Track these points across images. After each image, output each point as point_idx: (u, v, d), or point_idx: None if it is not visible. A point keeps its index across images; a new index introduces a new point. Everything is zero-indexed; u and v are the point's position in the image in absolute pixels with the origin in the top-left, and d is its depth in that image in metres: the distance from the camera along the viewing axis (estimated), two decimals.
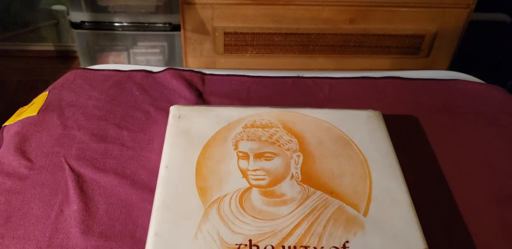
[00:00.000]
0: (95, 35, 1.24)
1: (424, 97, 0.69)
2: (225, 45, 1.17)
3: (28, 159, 0.55)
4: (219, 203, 0.46)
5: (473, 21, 1.18)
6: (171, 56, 1.28)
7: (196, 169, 0.49)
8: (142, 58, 1.29)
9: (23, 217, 0.48)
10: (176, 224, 0.44)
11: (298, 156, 0.52)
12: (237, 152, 0.51)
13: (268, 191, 0.47)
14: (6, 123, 0.62)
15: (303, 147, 0.53)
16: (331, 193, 0.48)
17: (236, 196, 0.47)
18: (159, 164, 0.50)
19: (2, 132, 0.61)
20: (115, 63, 1.28)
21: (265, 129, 0.54)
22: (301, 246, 0.43)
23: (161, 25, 1.20)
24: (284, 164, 0.50)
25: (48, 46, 1.55)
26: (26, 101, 0.69)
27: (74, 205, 0.49)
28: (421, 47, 1.19)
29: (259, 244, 0.43)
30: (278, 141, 0.53)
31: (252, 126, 0.55)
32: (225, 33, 1.14)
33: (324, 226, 0.44)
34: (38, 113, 0.61)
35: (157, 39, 1.25)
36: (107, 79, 0.69)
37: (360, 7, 1.10)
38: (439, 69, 1.23)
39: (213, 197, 0.46)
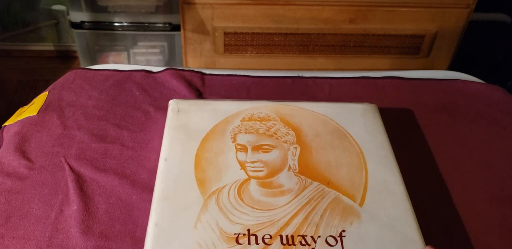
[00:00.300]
0: (95, 35, 1.24)
1: (424, 97, 0.69)
2: (225, 45, 1.17)
3: (28, 159, 0.55)
4: (218, 194, 0.47)
5: (473, 21, 1.18)
6: (171, 56, 1.28)
7: (195, 161, 0.50)
8: (142, 58, 1.29)
9: (23, 217, 0.48)
10: (176, 214, 0.45)
11: (296, 148, 0.53)
12: (235, 145, 0.52)
13: (266, 182, 0.49)
14: (6, 123, 0.62)
15: (300, 140, 0.54)
16: (328, 183, 0.49)
17: (235, 187, 0.48)
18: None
19: (2, 132, 0.61)
20: (115, 63, 1.28)
21: (263, 122, 0.55)
22: (298, 235, 0.44)
23: (161, 25, 1.20)
24: (281, 156, 0.51)
25: (48, 46, 1.55)
26: (26, 101, 0.69)
27: (74, 205, 0.49)
28: (421, 47, 1.19)
29: (257, 234, 0.43)
30: (275, 133, 0.54)
31: (250, 119, 0.56)
32: (225, 33, 1.14)
33: (321, 216, 0.45)
34: (38, 113, 0.61)
35: (157, 39, 1.25)
36: (107, 79, 0.69)
37: (360, 7, 1.10)
38: (439, 69, 1.23)
39: (212, 188, 0.47)
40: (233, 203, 0.46)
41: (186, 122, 0.55)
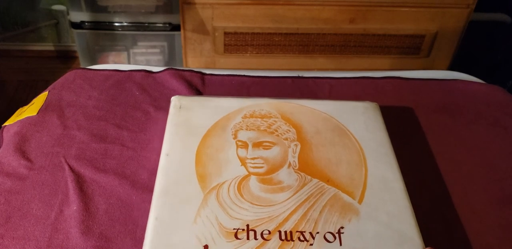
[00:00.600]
0: (95, 35, 1.24)
1: (424, 97, 0.69)
2: (225, 45, 1.17)
3: (28, 159, 0.55)
4: (218, 190, 0.47)
5: (473, 21, 1.18)
6: (171, 56, 1.28)
7: (196, 157, 0.51)
8: (142, 58, 1.29)
9: (23, 217, 0.48)
10: (176, 209, 0.45)
11: (296, 145, 0.53)
12: (236, 141, 0.53)
13: (265, 179, 0.49)
14: (6, 123, 0.62)
15: (300, 137, 0.54)
16: (327, 181, 0.49)
17: (235, 183, 0.48)
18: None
19: (2, 132, 0.61)
20: (115, 63, 1.28)
21: (264, 119, 0.56)
22: (297, 231, 0.44)
23: (161, 25, 1.20)
24: (282, 153, 0.52)
25: (48, 46, 1.54)
26: (26, 101, 0.69)
27: (74, 205, 0.49)
28: (421, 47, 1.19)
29: (256, 229, 0.44)
30: (276, 130, 0.54)
31: (251, 116, 0.56)
32: (225, 33, 1.14)
33: (320, 212, 0.46)
34: (38, 113, 0.61)
35: (157, 39, 1.25)
36: (107, 79, 0.69)
37: (360, 7, 1.10)
38: (439, 69, 1.23)
39: (212, 183, 0.48)
40: (232, 199, 0.47)
41: (187, 118, 0.56)
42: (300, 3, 1.09)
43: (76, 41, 1.26)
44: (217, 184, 0.48)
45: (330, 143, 0.53)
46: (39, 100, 0.65)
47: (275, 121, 0.56)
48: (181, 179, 0.48)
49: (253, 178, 0.49)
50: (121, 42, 1.25)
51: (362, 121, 0.57)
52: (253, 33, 1.15)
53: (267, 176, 0.49)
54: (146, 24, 1.20)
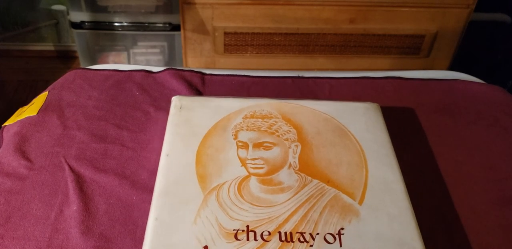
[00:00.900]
0: (95, 35, 1.24)
1: (424, 97, 0.69)
2: (225, 45, 1.17)
3: (28, 159, 0.55)
4: (218, 190, 0.47)
5: (473, 21, 1.18)
6: (171, 56, 1.28)
7: (196, 157, 0.51)
8: (142, 58, 1.29)
9: (22, 218, 0.48)
10: (176, 209, 0.45)
11: (297, 146, 0.53)
12: (236, 142, 0.53)
13: (266, 179, 0.49)
14: (6, 123, 0.62)
15: (301, 137, 0.54)
16: (328, 181, 0.49)
17: (235, 183, 0.48)
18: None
19: (2, 132, 0.61)
20: (115, 63, 1.28)
21: (265, 120, 0.56)
22: (297, 232, 0.44)
23: (161, 25, 1.20)
24: (282, 154, 0.52)
25: (48, 46, 1.54)
26: (26, 101, 0.69)
27: (74, 206, 0.49)
28: (421, 47, 1.19)
29: (256, 230, 0.44)
30: (277, 131, 0.54)
31: (252, 116, 0.56)
32: (225, 33, 1.14)
33: (320, 214, 0.46)
34: (38, 113, 0.61)
35: (157, 39, 1.25)
36: (107, 79, 0.69)
37: (360, 7, 1.10)
38: (439, 69, 1.23)
39: (212, 184, 0.48)
40: (232, 200, 0.46)
41: (188, 119, 0.56)
42: (300, 3, 1.09)
43: (76, 41, 1.26)
44: (217, 185, 0.48)
45: (331, 144, 0.53)
46: (39, 100, 0.65)
47: (275, 121, 0.56)
48: (181, 179, 0.48)
49: (253, 179, 0.49)
50: (121, 42, 1.25)
51: (363, 122, 0.57)
52: (253, 33, 1.15)
53: (268, 177, 0.49)
54: (146, 24, 1.20)
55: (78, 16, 1.19)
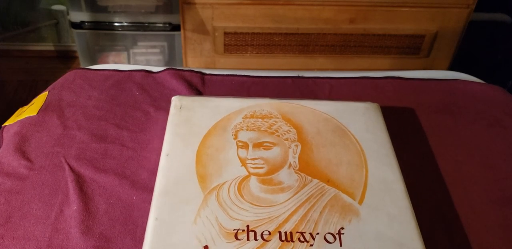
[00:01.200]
0: (95, 35, 1.24)
1: (424, 97, 0.69)
2: (225, 45, 1.17)
3: (28, 159, 0.55)
4: (218, 190, 0.47)
5: (473, 21, 1.18)
6: (171, 56, 1.28)
7: (196, 157, 0.51)
8: (142, 58, 1.29)
9: (23, 217, 0.48)
10: (176, 209, 0.45)
11: (297, 145, 0.53)
12: (236, 142, 0.53)
13: (266, 179, 0.49)
14: (6, 123, 0.62)
15: (301, 137, 0.54)
16: (328, 181, 0.49)
17: (235, 183, 0.48)
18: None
19: (2, 132, 0.61)
20: (115, 63, 1.28)
21: (265, 120, 0.56)
22: (297, 232, 0.44)
23: (161, 25, 1.20)
24: (282, 154, 0.52)
25: (48, 46, 1.54)
26: (26, 101, 0.69)
27: (74, 205, 0.49)
28: (421, 47, 1.19)
29: (256, 230, 0.44)
30: (277, 131, 0.54)
31: (252, 116, 0.56)
32: (225, 33, 1.14)
33: (320, 213, 0.46)
34: (38, 113, 0.61)
35: (157, 39, 1.25)
36: (107, 79, 0.69)
37: (360, 7, 1.10)
38: (439, 69, 1.23)
39: (212, 184, 0.48)
40: (233, 199, 0.46)
41: (188, 119, 0.56)
42: (300, 3, 1.09)
43: (76, 41, 1.26)
44: (217, 185, 0.48)
45: (331, 144, 0.53)
46: (39, 100, 0.65)
47: (275, 121, 0.56)
48: (181, 179, 0.48)
49: (253, 179, 0.49)
50: (121, 42, 1.25)
51: (362, 122, 0.57)
52: (253, 33, 1.15)
53: (268, 177, 0.49)
54: (146, 24, 1.20)
55: (78, 16, 1.19)
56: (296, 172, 0.50)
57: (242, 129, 0.54)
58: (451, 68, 1.24)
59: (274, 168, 0.50)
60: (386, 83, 0.71)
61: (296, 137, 0.54)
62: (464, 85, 0.72)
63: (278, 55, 1.20)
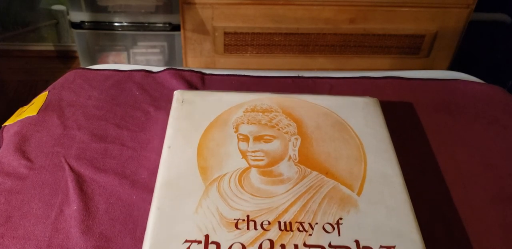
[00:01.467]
0: (95, 35, 1.24)
1: (424, 97, 0.69)
2: (225, 45, 1.17)
3: (28, 159, 0.55)
4: (219, 182, 0.48)
5: (473, 21, 1.18)
6: (171, 56, 1.28)
7: (198, 150, 0.51)
8: (142, 58, 1.29)
9: (23, 217, 0.48)
10: (178, 199, 0.46)
11: (296, 139, 0.54)
12: (237, 135, 0.54)
13: (266, 171, 0.50)
14: (6, 123, 0.62)
15: (301, 131, 0.55)
16: (327, 173, 0.50)
17: (236, 175, 0.49)
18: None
19: (2, 132, 0.61)
20: (115, 63, 1.28)
21: (265, 114, 0.56)
22: (296, 222, 0.45)
23: (161, 25, 1.20)
24: (282, 146, 0.52)
25: (48, 46, 1.55)
26: (26, 101, 0.69)
27: (74, 205, 0.49)
28: (421, 47, 1.19)
29: (256, 220, 0.44)
30: (277, 124, 0.55)
31: (253, 110, 0.57)
32: (225, 33, 1.14)
33: (319, 204, 0.46)
34: (38, 113, 0.61)
35: (157, 39, 1.25)
36: (107, 79, 0.69)
37: (360, 7, 1.10)
38: (439, 69, 1.23)
39: (213, 175, 0.49)
40: (233, 190, 0.47)
41: (189, 112, 0.56)
42: (300, 3, 1.09)
43: (76, 41, 1.26)
44: (218, 176, 0.48)
45: (330, 138, 0.54)
46: (39, 100, 0.65)
47: (276, 115, 0.56)
48: (183, 171, 0.49)
49: (253, 171, 0.49)
50: (121, 42, 1.25)
51: (362, 117, 0.57)
52: (253, 33, 1.15)
53: (268, 169, 0.50)
54: (146, 24, 1.20)
55: (78, 16, 1.19)
56: (295, 165, 0.50)
57: (243, 123, 0.55)
58: (451, 68, 1.24)
59: (274, 161, 0.51)
60: (386, 83, 0.71)
61: (296, 130, 0.55)
62: (464, 85, 0.72)
63: (278, 55, 1.20)
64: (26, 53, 1.55)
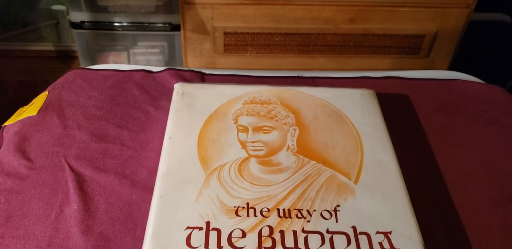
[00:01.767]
0: (95, 35, 1.24)
1: (424, 97, 0.69)
2: (225, 45, 1.17)
3: (28, 159, 0.55)
4: (219, 171, 0.49)
5: (473, 21, 1.18)
6: (171, 56, 1.28)
7: (198, 140, 0.53)
8: (142, 58, 1.29)
9: (23, 217, 0.48)
10: (179, 188, 0.47)
11: (295, 129, 0.55)
12: (237, 126, 0.55)
13: (265, 161, 0.51)
14: (6, 123, 0.62)
15: (299, 122, 0.56)
16: (324, 162, 0.51)
17: (235, 164, 0.50)
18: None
19: (2, 132, 0.61)
20: (115, 63, 1.28)
21: (264, 105, 0.58)
22: (294, 209, 0.46)
23: (161, 25, 1.20)
24: (281, 137, 0.54)
25: (48, 46, 1.55)
26: (26, 101, 0.69)
27: (74, 205, 0.49)
28: (421, 47, 1.19)
29: (255, 207, 0.46)
30: (276, 116, 0.56)
31: (252, 102, 0.58)
32: (225, 33, 1.14)
33: (317, 192, 0.48)
34: (38, 113, 0.62)
35: (157, 39, 1.25)
36: (107, 79, 0.69)
37: (360, 7, 1.10)
38: (439, 69, 1.23)
39: (213, 165, 0.50)
40: (233, 179, 0.48)
41: (190, 104, 0.58)
42: (300, 3, 1.09)
43: (76, 41, 1.26)
44: (219, 166, 0.50)
45: (328, 128, 0.55)
46: (39, 100, 0.65)
47: (274, 107, 0.57)
48: (183, 161, 0.50)
49: (253, 160, 0.51)
50: (121, 42, 1.25)
51: (359, 107, 0.59)
52: (253, 33, 1.15)
53: (267, 158, 0.51)
54: (146, 24, 1.20)
55: (78, 16, 1.19)
56: (294, 154, 0.52)
57: (242, 114, 0.56)
58: (451, 68, 1.24)
59: (273, 150, 0.52)
60: (386, 83, 0.71)
61: (294, 121, 0.56)
62: (464, 85, 0.72)
63: (278, 55, 1.20)
64: (26, 53, 1.55)
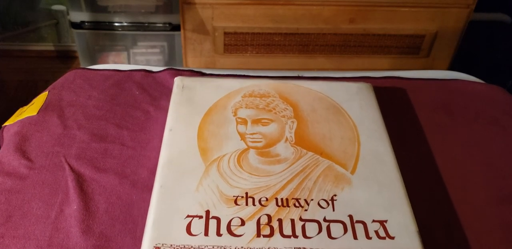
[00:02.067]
0: (95, 35, 1.24)
1: (423, 97, 0.69)
2: (225, 45, 1.17)
3: (28, 158, 0.55)
4: (218, 162, 0.51)
5: (473, 21, 1.18)
6: (171, 56, 1.28)
7: (198, 132, 0.54)
8: (142, 58, 1.29)
9: (23, 217, 0.48)
10: (180, 178, 0.49)
11: (293, 122, 0.56)
12: (236, 118, 0.56)
13: (264, 152, 0.52)
14: (6, 123, 0.62)
15: (297, 114, 0.57)
16: (322, 153, 0.52)
17: (235, 155, 0.51)
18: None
19: (2, 132, 0.61)
20: (115, 63, 1.28)
21: (263, 98, 0.59)
22: (292, 198, 0.47)
23: (161, 25, 1.20)
24: (279, 129, 0.55)
25: (48, 46, 1.55)
26: (26, 101, 0.69)
27: (74, 205, 0.49)
28: (421, 47, 1.19)
29: (254, 196, 0.47)
30: (274, 109, 0.57)
31: (251, 95, 0.59)
32: (225, 33, 1.14)
33: (314, 182, 0.49)
34: (38, 113, 0.62)
35: (157, 39, 1.25)
36: (107, 79, 0.69)
37: (360, 7, 1.10)
38: (439, 69, 1.23)
39: (213, 156, 0.51)
40: (232, 170, 0.50)
41: (190, 97, 0.59)
42: (300, 3, 1.09)
43: (76, 41, 1.26)
44: (218, 157, 0.51)
45: (325, 120, 0.56)
46: (39, 100, 0.65)
47: (273, 100, 0.59)
48: (184, 152, 0.51)
49: (252, 151, 0.52)
50: (121, 42, 1.25)
51: (356, 100, 0.60)
52: (253, 33, 1.15)
53: (265, 150, 0.52)
54: (146, 24, 1.20)
55: (78, 16, 1.19)
56: (292, 146, 0.53)
57: (241, 107, 0.57)
58: (451, 68, 1.24)
59: (272, 142, 0.53)
60: (386, 83, 0.71)
61: (292, 114, 0.57)
62: (464, 85, 0.72)
63: (278, 55, 1.20)
64: (26, 53, 1.55)
